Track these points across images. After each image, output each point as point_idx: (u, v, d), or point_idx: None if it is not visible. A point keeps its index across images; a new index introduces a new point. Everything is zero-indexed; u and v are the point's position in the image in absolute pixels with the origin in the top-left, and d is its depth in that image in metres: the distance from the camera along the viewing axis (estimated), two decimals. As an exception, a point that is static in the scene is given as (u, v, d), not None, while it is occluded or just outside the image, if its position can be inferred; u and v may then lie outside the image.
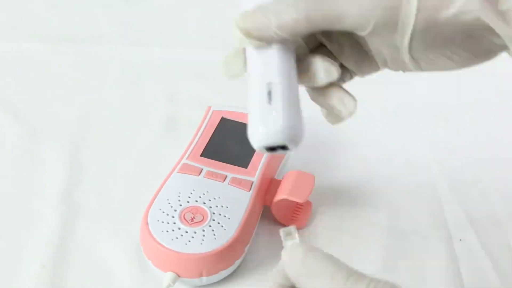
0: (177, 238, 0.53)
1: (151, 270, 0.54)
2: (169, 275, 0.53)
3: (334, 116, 0.48)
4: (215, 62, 0.75)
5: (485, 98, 0.73)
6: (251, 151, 0.59)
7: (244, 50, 0.48)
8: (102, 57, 0.76)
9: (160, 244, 0.53)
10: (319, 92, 0.48)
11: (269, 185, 0.59)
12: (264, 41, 0.46)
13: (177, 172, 0.58)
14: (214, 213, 0.55)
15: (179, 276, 0.53)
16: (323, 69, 0.47)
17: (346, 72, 0.50)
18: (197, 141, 0.61)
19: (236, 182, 0.57)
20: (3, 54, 0.76)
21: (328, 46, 0.49)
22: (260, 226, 0.58)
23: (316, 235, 0.59)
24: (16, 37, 0.78)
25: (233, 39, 0.47)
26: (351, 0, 0.44)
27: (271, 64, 0.45)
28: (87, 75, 0.75)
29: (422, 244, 0.59)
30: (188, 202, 0.56)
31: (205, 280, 0.53)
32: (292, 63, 0.46)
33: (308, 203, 0.59)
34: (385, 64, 0.48)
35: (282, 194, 0.57)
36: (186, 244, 0.53)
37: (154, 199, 0.56)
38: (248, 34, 0.46)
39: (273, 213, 0.58)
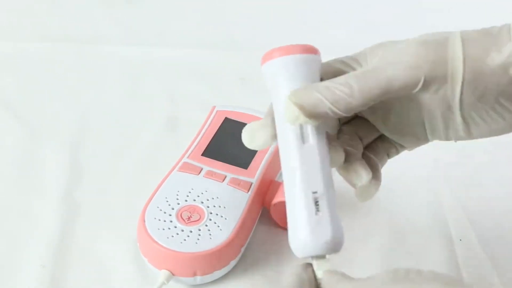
0: (172, 236, 0.53)
1: (149, 269, 0.54)
2: (163, 273, 0.53)
3: (360, 194, 0.49)
4: (215, 62, 0.76)
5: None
6: (253, 152, 0.59)
7: (272, 123, 0.47)
8: (102, 57, 0.76)
9: (155, 241, 0.53)
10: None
11: (269, 187, 0.59)
12: (318, 118, 0.44)
13: (177, 171, 0.58)
14: (211, 213, 0.55)
15: (173, 274, 0.53)
16: (360, 174, 0.47)
17: (391, 147, 0.50)
18: (199, 140, 0.61)
19: (235, 182, 0.57)
20: (3, 54, 0.76)
21: (372, 120, 0.49)
22: (258, 228, 0.58)
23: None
24: (16, 37, 0.78)
25: (286, 115, 0.44)
26: (398, 61, 0.44)
27: (314, 168, 0.44)
28: (87, 75, 0.75)
29: (422, 244, 0.59)
30: (186, 201, 0.56)
31: (199, 279, 0.53)
32: (328, 157, 0.46)
33: None
34: (434, 131, 0.48)
35: (281, 197, 0.57)
36: (181, 242, 0.53)
37: (152, 196, 0.56)
38: (304, 111, 0.44)
39: (272, 215, 0.58)
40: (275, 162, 0.60)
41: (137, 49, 0.77)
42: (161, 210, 0.55)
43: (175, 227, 0.54)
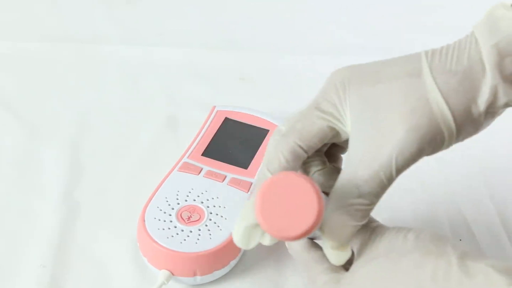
0: (172, 236, 0.53)
1: (149, 269, 0.54)
2: (163, 273, 0.53)
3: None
4: (215, 62, 0.76)
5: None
6: (253, 152, 0.60)
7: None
8: (102, 57, 0.76)
9: (155, 241, 0.53)
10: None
11: None
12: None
13: (177, 171, 0.58)
14: (211, 213, 0.55)
15: (173, 274, 0.53)
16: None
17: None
18: (199, 140, 0.61)
19: (235, 182, 0.57)
20: (3, 54, 0.76)
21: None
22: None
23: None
24: (16, 37, 0.78)
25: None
26: (397, 143, 0.43)
27: None
28: (87, 75, 0.75)
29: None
30: (186, 201, 0.56)
31: (199, 279, 0.53)
32: None
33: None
34: None
35: None
36: (181, 242, 0.53)
37: (152, 196, 0.56)
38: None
39: None
40: None
41: (137, 49, 0.77)
42: (161, 210, 0.55)
43: (175, 227, 0.54)
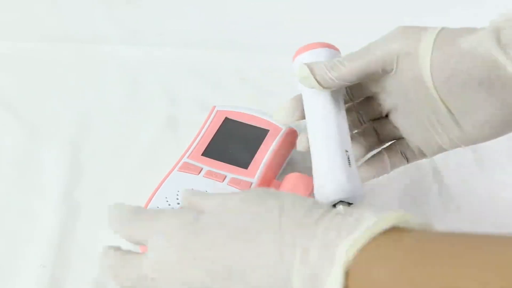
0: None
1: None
2: None
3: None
4: (215, 62, 0.76)
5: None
6: (253, 152, 0.60)
7: (300, 101, 0.58)
8: (102, 57, 0.76)
9: None
10: None
11: (269, 184, 0.59)
12: (323, 85, 0.54)
13: (177, 171, 0.58)
14: None
15: None
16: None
17: (409, 150, 0.58)
18: (199, 140, 0.61)
19: (235, 182, 0.57)
20: (3, 54, 0.76)
21: (391, 120, 0.57)
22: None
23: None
24: (16, 37, 0.78)
25: (299, 74, 0.55)
26: (381, 40, 0.53)
27: (344, 133, 0.56)
28: (87, 75, 0.75)
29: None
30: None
31: None
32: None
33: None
34: (433, 126, 0.54)
35: (283, 189, 0.57)
36: None
37: (152, 196, 0.56)
38: (313, 74, 0.54)
39: None
40: (275, 162, 0.60)
41: (137, 49, 0.77)
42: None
43: None
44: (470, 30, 0.50)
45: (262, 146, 0.60)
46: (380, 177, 0.59)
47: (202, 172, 0.58)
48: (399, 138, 0.58)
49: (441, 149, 0.56)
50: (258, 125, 0.62)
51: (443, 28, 0.51)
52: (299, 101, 0.58)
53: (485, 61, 0.49)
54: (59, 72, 0.74)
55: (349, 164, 0.54)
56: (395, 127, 0.57)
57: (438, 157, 0.66)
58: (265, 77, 0.75)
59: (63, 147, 0.66)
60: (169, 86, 0.74)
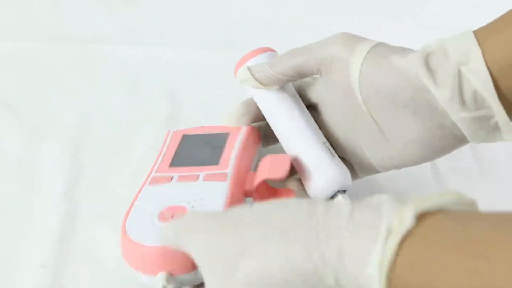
0: (159, 235, 0.50)
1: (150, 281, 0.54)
2: (161, 276, 0.49)
3: None
4: (215, 62, 0.76)
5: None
6: (220, 150, 0.58)
7: (250, 105, 0.59)
8: (102, 57, 0.76)
9: (142, 245, 0.50)
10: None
11: (246, 178, 0.56)
12: (263, 83, 0.56)
13: (148, 185, 0.55)
14: (193, 206, 0.52)
15: (172, 274, 0.49)
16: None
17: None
18: (162, 157, 0.59)
19: (210, 177, 0.55)
20: (3, 54, 0.76)
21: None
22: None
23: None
24: (16, 37, 0.78)
25: (239, 77, 0.58)
26: (320, 44, 0.54)
27: (315, 125, 0.57)
28: (87, 75, 0.75)
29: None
30: (163, 206, 0.52)
31: (200, 272, 0.50)
32: None
33: (290, 191, 0.56)
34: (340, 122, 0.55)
35: (261, 176, 0.54)
36: None
37: (129, 211, 0.53)
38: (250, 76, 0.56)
39: (257, 199, 0.56)
40: (244, 155, 0.58)
41: (137, 49, 0.77)
42: (141, 219, 0.52)
43: (161, 227, 0.51)
44: (406, 51, 0.51)
45: (227, 145, 0.58)
46: (380, 178, 0.59)
47: (174, 179, 0.55)
48: None
49: (374, 169, 0.56)
50: (217, 132, 0.61)
51: (380, 43, 0.52)
52: (250, 105, 0.59)
53: (412, 83, 0.49)
54: (59, 72, 0.74)
55: (332, 154, 0.55)
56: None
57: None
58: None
59: (63, 147, 0.66)
60: (169, 86, 0.74)
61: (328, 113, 0.56)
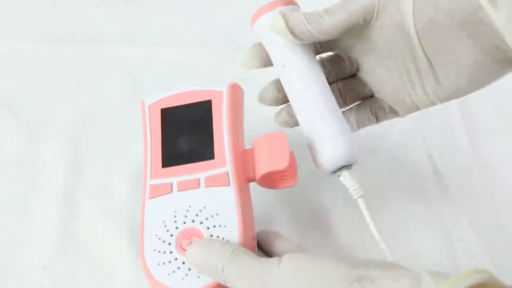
0: (174, 272, 0.50)
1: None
2: None
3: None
4: (216, 62, 0.76)
5: (482, 95, 0.73)
6: (209, 132, 0.55)
7: (260, 46, 0.57)
8: (102, 57, 0.76)
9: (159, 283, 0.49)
10: None
11: (244, 159, 0.54)
12: (300, 38, 0.53)
13: (149, 199, 0.53)
14: (208, 228, 0.51)
15: None
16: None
17: (380, 108, 0.56)
18: (151, 153, 0.56)
19: (212, 181, 0.52)
20: (3, 54, 0.76)
21: (360, 76, 0.56)
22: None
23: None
24: (16, 37, 0.78)
25: (273, 25, 0.54)
26: None
27: (329, 90, 0.54)
28: (87, 75, 0.74)
29: (422, 244, 0.59)
30: (177, 228, 0.51)
31: None
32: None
33: (292, 159, 0.54)
34: (410, 79, 0.53)
35: (262, 169, 0.53)
36: (183, 278, 0.49)
37: (142, 238, 0.52)
38: (288, 25, 0.53)
39: (262, 186, 0.54)
40: (235, 132, 0.55)
41: (137, 49, 0.77)
42: (159, 250, 0.51)
43: (176, 259, 0.50)
44: None
45: (214, 121, 0.55)
46: (380, 178, 0.59)
47: (174, 187, 0.53)
48: (366, 98, 0.57)
49: (414, 106, 0.55)
50: (197, 100, 0.57)
51: None
52: (259, 49, 0.57)
53: (468, 4, 0.48)
54: (59, 72, 0.74)
55: (343, 127, 0.53)
56: (364, 85, 0.56)
57: (438, 157, 0.66)
58: (265, 77, 0.75)
59: (63, 147, 0.66)
60: (169, 86, 0.73)
61: (372, 63, 0.55)
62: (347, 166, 0.53)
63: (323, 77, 0.55)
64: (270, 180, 0.54)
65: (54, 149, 0.66)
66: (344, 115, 0.55)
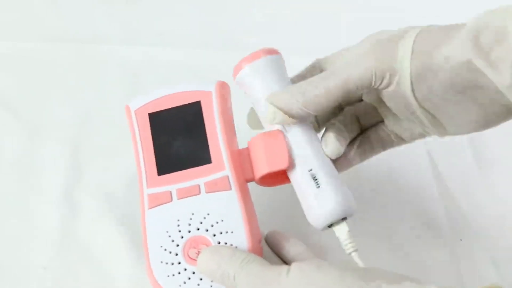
0: (185, 283, 0.49)
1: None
2: None
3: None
4: (215, 62, 0.76)
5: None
6: (202, 139, 0.53)
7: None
8: (102, 57, 0.76)
9: None
10: None
11: (240, 159, 0.53)
12: (294, 117, 0.50)
13: (149, 209, 0.51)
14: (214, 235, 0.50)
15: None
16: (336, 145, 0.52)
17: (387, 137, 0.54)
18: (144, 160, 0.53)
19: (212, 187, 0.51)
20: (3, 54, 0.76)
21: (377, 106, 0.54)
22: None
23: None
24: (16, 37, 0.78)
25: (266, 117, 0.51)
26: (353, 62, 0.49)
27: (303, 148, 0.51)
28: (87, 75, 0.74)
29: (422, 244, 0.59)
30: (182, 237, 0.50)
31: None
32: (316, 136, 0.53)
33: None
34: (415, 126, 0.52)
35: (261, 170, 0.52)
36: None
37: (147, 251, 0.50)
38: (282, 111, 0.50)
39: (259, 185, 0.54)
40: (228, 133, 0.54)
41: (137, 49, 0.77)
42: (166, 261, 0.50)
43: (185, 269, 0.49)
44: (448, 34, 0.47)
45: (206, 123, 0.53)
46: (380, 178, 0.59)
47: (174, 195, 0.51)
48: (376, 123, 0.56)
49: (421, 136, 0.54)
50: (186, 102, 0.54)
51: (417, 35, 0.48)
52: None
53: (466, 70, 0.46)
54: (59, 72, 0.74)
55: (317, 184, 0.50)
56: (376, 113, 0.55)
57: (438, 157, 0.66)
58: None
59: (63, 147, 0.66)
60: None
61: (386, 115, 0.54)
62: (341, 219, 0.50)
63: (315, 135, 0.53)
64: (269, 179, 0.54)
65: (54, 149, 0.66)
66: (365, 142, 0.54)
